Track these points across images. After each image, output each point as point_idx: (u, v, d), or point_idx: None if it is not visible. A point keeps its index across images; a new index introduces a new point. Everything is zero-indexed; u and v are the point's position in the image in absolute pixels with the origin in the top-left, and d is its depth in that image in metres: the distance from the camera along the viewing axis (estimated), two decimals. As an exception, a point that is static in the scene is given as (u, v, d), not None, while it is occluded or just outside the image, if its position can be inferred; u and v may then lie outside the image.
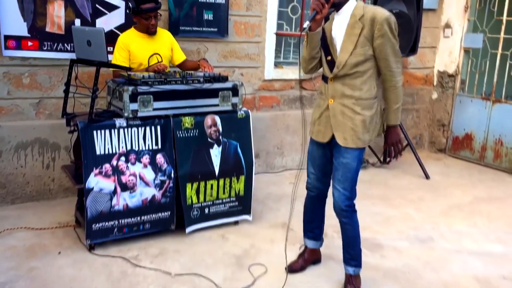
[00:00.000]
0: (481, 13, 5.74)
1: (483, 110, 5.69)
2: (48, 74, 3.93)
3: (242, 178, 3.67)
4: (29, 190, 3.99)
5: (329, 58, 2.64)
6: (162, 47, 3.75)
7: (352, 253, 2.80)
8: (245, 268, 3.10)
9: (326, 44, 2.64)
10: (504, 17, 5.42)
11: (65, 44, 3.90)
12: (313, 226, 3.04)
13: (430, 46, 6.06)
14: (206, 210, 3.58)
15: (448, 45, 6.00)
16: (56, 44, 3.86)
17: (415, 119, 6.22)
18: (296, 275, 3.02)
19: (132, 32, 3.72)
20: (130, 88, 3.15)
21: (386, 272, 3.14)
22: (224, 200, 3.64)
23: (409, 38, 4.95)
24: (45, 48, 3.84)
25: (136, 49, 3.65)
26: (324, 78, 2.71)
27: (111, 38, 4.00)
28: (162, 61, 3.64)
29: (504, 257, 3.44)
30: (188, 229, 3.50)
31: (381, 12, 2.49)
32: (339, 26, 2.59)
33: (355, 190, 2.70)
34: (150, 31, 3.66)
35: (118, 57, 3.65)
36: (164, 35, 3.84)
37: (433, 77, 6.20)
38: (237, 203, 3.70)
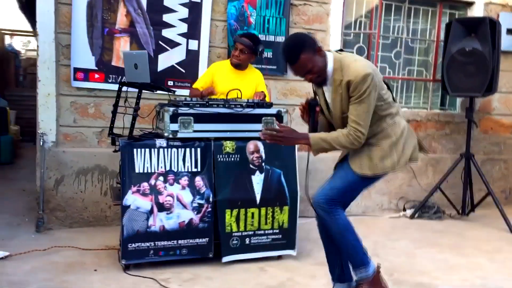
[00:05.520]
0: None
1: None
2: (111, 105, 4.16)
3: (286, 209, 3.49)
4: (86, 216, 4.14)
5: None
6: (246, 84, 3.76)
7: (346, 255, 2.62)
8: (275, 299, 2.87)
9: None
10: None
11: (129, 77, 4.15)
12: (331, 264, 2.77)
13: (517, 91, 5.56)
14: (247, 240, 3.43)
15: (538, 89, 5.46)
16: (120, 77, 4.12)
17: (503, 170, 5.61)
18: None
19: (224, 63, 3.88)
20: (171, 109, 3.22)
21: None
22: (266, 232, 3.48)
23: (484, 78, 4.59)
24: (110, 80, 4.12)
25: (220, 79, 3.75)
26: None
27: (172, 73, 4.22)
28: (241, 97, 3.61)
29: None
30: (225, 259, 3.36)
31: (356, 72, 2.44)
32: (327, 91, 2.67)
33: (341, 198, 2.60)
34: (233, 61, 3.75)
35: (199, 80, 3.87)
36: (253, 74, 3.88)
37: (522, 124, 5.63)
38: (280, 236, 3.50)
